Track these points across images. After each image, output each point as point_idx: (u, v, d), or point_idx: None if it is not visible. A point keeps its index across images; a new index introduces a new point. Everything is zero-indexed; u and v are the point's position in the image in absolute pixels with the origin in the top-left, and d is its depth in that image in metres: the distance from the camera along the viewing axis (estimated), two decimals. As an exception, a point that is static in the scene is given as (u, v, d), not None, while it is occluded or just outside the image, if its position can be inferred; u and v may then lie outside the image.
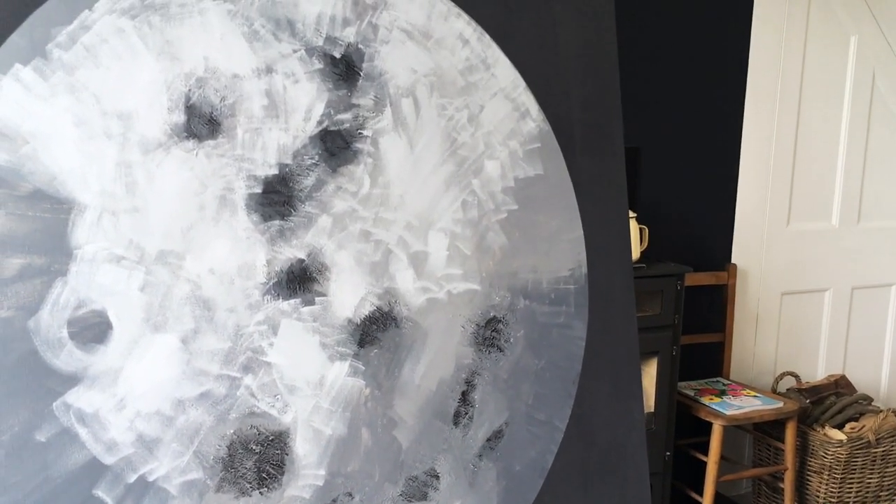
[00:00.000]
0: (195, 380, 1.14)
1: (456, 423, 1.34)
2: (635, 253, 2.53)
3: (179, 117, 1.13)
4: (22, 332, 1.05)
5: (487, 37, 1.35)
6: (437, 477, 1.33)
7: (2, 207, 1.03)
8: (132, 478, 1.11)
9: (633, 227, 2.50)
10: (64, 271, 1.07)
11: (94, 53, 1.08)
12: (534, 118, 1.40)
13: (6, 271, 1.04)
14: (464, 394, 1.35)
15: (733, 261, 3.05)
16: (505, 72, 1.37)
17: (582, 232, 1.45)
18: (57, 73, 1.06)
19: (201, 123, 1.14)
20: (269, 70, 1.18)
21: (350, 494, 1.25)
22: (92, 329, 1.08)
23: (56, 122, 1.06)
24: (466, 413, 1.35)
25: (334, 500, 1.24)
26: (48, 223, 1.06)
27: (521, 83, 1.39)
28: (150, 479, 1.12)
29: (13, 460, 1.04)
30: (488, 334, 1.37)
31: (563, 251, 1.43)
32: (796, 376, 3.04)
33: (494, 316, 1.37)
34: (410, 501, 1.31)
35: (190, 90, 1.13)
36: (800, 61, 3.05)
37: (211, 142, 1.15)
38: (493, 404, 1.37)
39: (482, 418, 1.36)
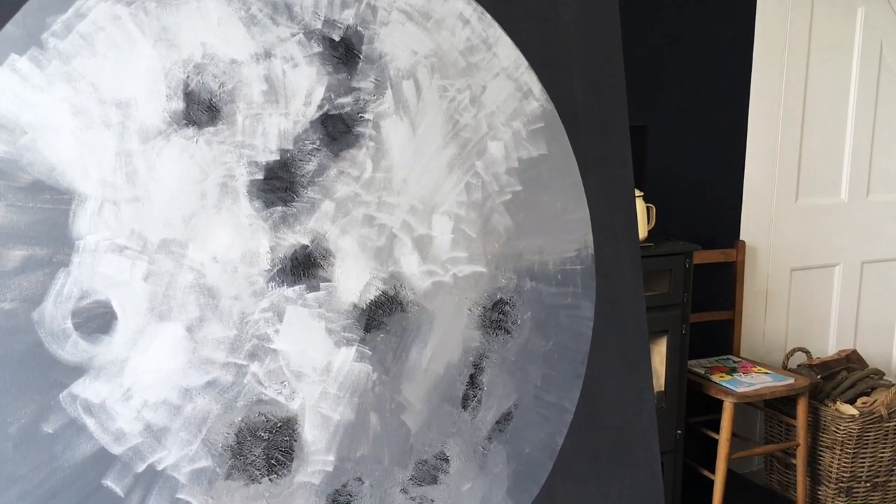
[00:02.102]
0: (201, 368, 1.14)
1: (464, 407, 1.34)
2: (643, 231, 2.51)
3: (178, 104, 1.12)
4: (26, 323, 1.04)
5: (488, 16, 1.33)
6: (447, 460, 1.33)
7: (2, 199, 1.02)
8: (141, 467, 1.11)
9: (641, 205, 2.48)
10: (66, 262, 1.06)
11: (90, 42, 1.07)
12: (537, 98, 1.38)
13: (8, 263, 1.03)
14: (472, 377, 1.34)
15: (742, 237, 3.03)
16: (507, 51, 1.35)
17: (588, 212, 1.44)
18: (53, 63, 1.05)
19: (200, 110, 1.13)
20: (268, 55, 1.17)
21: (360, 479, 1.25)
22: (96, 320, 1.08)
23: (54, 111, 1.05)
24: (475, 396, 1.35)
25: (344, 486, 1.24)
26: (49, 214, 1.05)
27: (524, 62, 1.37)
28: (159, 468, 1.12)
29: (21, 452, 1.04)
30: (495, 317, 1.36)
31: (569, 231, 1.42)
32: (807, 352, 3.03)
33: (501, 298, 1.36)
34: (420, 485, 1.30)
35: (188, 77, 1.12)
36: (806, 34, 3.01)
37: (211, 129, 1.14)
38: (501, 387, 1.37)
39: (491, 401, 1.36)
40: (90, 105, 1.07)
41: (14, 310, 1.04)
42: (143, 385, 1.11)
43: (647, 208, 2.57)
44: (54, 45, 1.05)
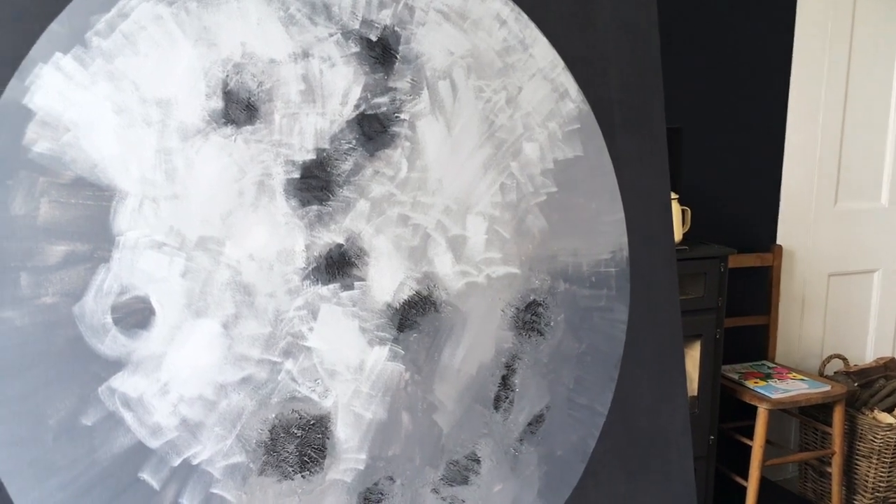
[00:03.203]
0: (237, 364, 1.15)
1: (496, 408, 1.34)
2: (678, 234, 2.49)
3: (217, 103, 1.13)
4: (67, 317, 1.06)
5: (525, 17, 1.33)
6: (478, 461, 1.32)
7: (45, 195, 1.04)
8: (177, 461, 1.12)
9: (676, 208, 2.46)
10: (107, 258, 1.08)
11: (132, 41, 1.09)
12: (573, 99, 1.38)
13: (51, 258, 1.05)
14: (504, 378, 1.34)
15: (779, 242, 2.99)
16: (543, 52, 1.35)
17: (623, 214, 1.43)
18: (96, 61, 1.07)
19: (239, 109, 1.14)
20: (306, 54, 1.17)
21: (391, 478, 1.26)
22: (135, 315, 1.10)
23: (96, 109, 1.07)
24: (507, 397, 1.34)
25: (375, 484, 1.25)
26: (91, 210, 1.07)
27: (560, 63, 1.36)
28: (195, 462, 1.13)
29: (61, 444, 1.06)
30: (528, 318, 1.35)
31: (604, 233, 1.41)
32: (844, 359, 2.98)
33: (534, 300, 1.36)
34: (451, 485, 1.31)
35: (227, 76, 1.13)
36: (848, 34, 2.97)
37: (249, 127, 1.15)
38: (533, 389, 1.36)
39: (523, 403, 1.36)
40: (132, 103, 1.09)
41: (56, 304, 1.06)
42: (180, 380, 1.12)
43: (683, 211, 2.55)
44: (98, 43, 1.07)
